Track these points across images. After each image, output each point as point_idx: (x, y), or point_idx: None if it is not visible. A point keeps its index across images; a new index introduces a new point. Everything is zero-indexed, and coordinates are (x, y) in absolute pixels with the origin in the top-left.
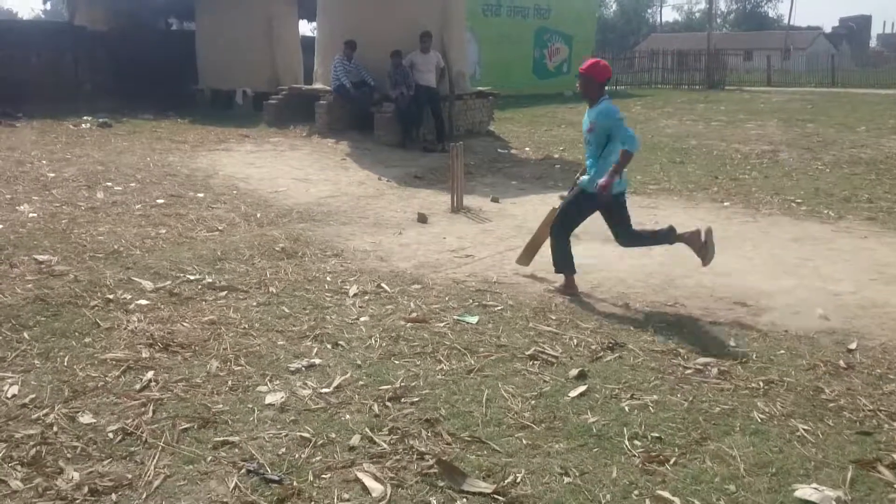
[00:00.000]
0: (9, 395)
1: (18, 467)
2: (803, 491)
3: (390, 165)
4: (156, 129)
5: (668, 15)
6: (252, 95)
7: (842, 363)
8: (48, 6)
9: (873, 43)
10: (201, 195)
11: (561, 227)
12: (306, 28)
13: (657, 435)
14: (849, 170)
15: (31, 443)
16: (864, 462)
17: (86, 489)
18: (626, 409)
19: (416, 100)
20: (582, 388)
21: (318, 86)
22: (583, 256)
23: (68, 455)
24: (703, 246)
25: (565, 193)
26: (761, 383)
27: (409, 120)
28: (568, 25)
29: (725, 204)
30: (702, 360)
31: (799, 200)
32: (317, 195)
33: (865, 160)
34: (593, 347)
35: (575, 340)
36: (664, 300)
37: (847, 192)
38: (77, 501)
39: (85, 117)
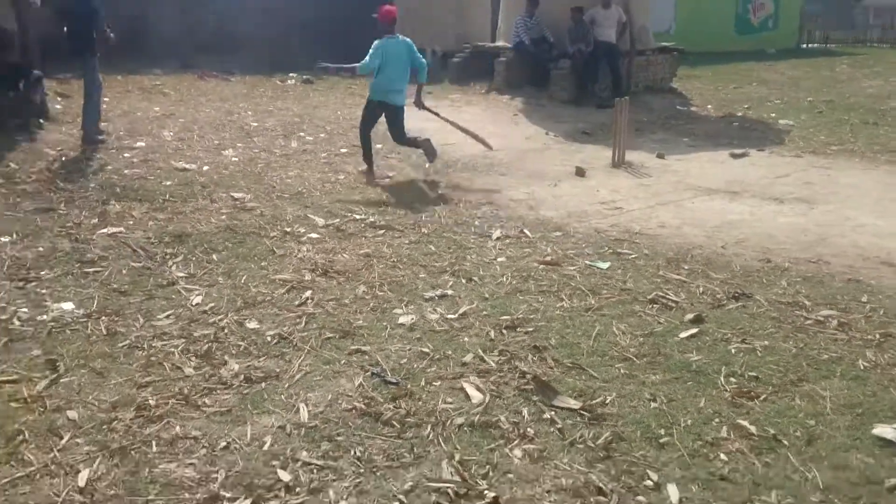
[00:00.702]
0: (193, 303)
1: (193, 359)
2: (882, 429)
3: (560, 121)
4: (350, 85)
5: None
6: (441, 54)
7: None
8: None
9: None
10: (379, 146)
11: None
12: None
13: (755, 374)
14: None
15: (205, 340)
16: None
17: (242, 377)
18: (733, 351)
19: (593, 56)
20: (693, 330)
21: (500, 43)
22: (736, 212)
23: (233, 351)
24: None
25: (737, 151)
26: (878, 335)
27: (585, 76)
28: None
29: None
30: (825, 312)
31: None
32: (484, 148)
33: None
34: (718, 296)
35: (701, 288)
36: (809, 256)
37: None
38: (234, 386)
39: (291, 74)
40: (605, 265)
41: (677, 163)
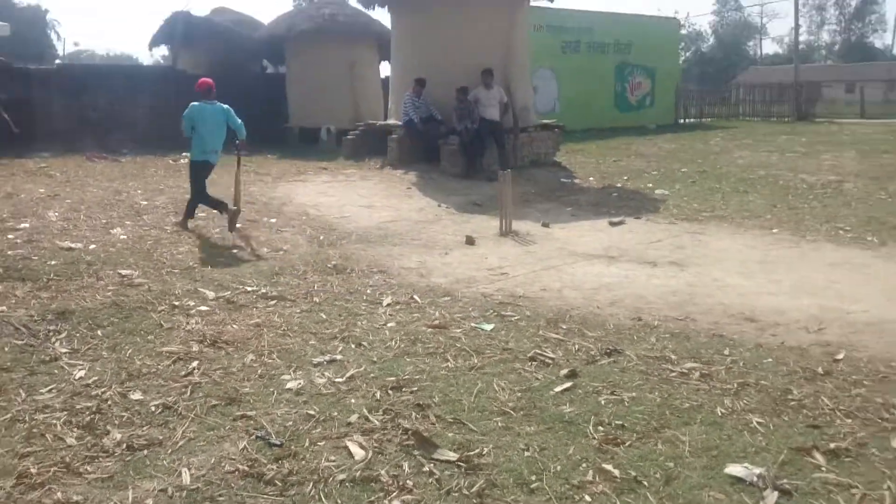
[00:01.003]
0: (76, 378)
1: (75, 429)
2: (733, 468)
3: (452, 193)
4: (244, 163)
5: (770, 47)
6: (335, 132)
7: (820, 370)
8: (165, 52)
9: None
10: (273, 220)
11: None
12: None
13: (621, 423)
14: None
15: (88, 412)
16: (802, 448)
17: (124, 445)
18: (602, 402)
19: (479, 132)
20: (568, 385)
21: (391, 121)
22: (613, 276)
23: (116, 422)
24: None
25: (615, 220)
26: (736, 385)
27: (473, 151)
28: (650, 59)
29: (774, 231)
30: (689, 364)
31: (848, 228)
32: (378, 220)
33: None
34: (592, 352)
35: (577, 346)
36: (677, 315)
37: None
38: (116, 454)
39: (184, 153)
40: (489, 327)
41: (560, 231)
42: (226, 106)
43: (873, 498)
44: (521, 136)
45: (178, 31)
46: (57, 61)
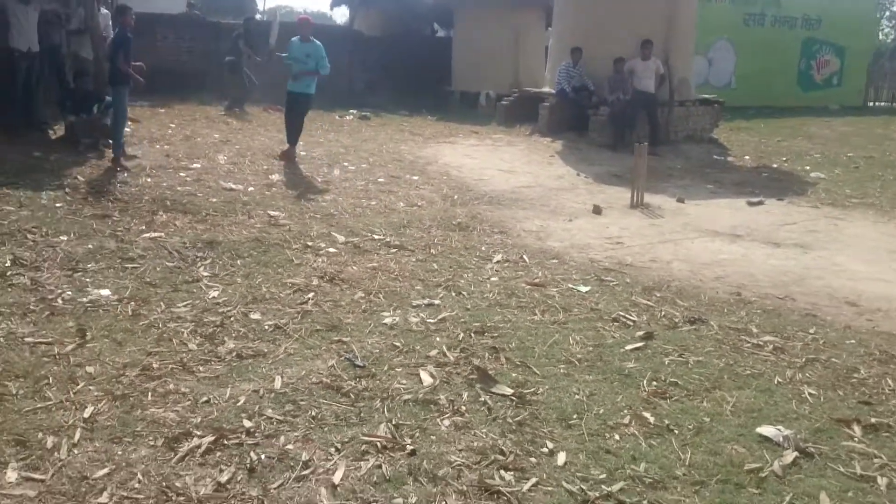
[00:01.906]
0: (210, 297)
1: (198, 338)
2: (765, 428)
3: (594, 164)
4: (402, 123)
5: None
6: (494, 97)
7: None
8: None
9: None
10: (416, 178)
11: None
12: None
13: (676, 381)
14: None
15: (212, 325)
16: (843, 420)
17: (235, 354)
18: (667, 362)
19: (631, 104)
20: (639, 345)
21: (545, 89)
22: (730, 253)
23: (233, 335)
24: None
25: (753, 200)
26: (805, 360)
27: (622, 123)
28: (840, 36)
29: None
30: (767, 338)
31: None
32: (514, 184)
33: None
34: (676, 319)
35: (664, 313)
36: (778, 294)
37: None
38: (226, 360)
39: (351, 110)
40: (585, 289)
41: (694, 207)
42: (318, 43)
43: (893, 468)
44: (677, 110)
45: None
46: (257, 16)
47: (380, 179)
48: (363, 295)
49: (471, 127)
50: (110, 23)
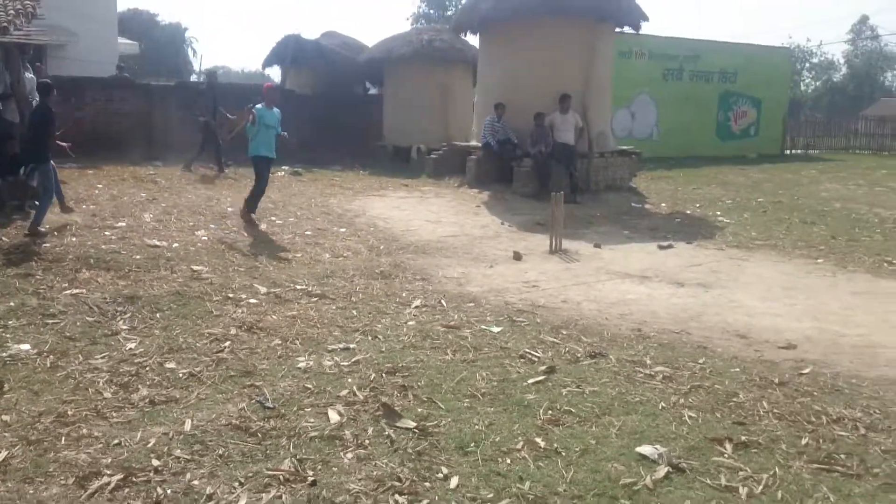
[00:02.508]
0: (127, 349)
1: (113, 387)
2: (644, 448)
3: (518, 213)
4: (333, 178)
5: None
6: (426, 151)
7: (777, 380)
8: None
9: None
10: (343, 230)
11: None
12: None
13: (570, 409)
14: None
15: (127, 375)
16: (716, 438)
17: (148, 400)
18: (564, 393)
19: (552, 156)
20: (541, 378)
21: (473, 143)
22: (637, 293)
23: (147, 383)
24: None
25: (664, 244)
26: (690, 387)
27: (545, 174)
28: (756, 89)
29: (819, 260)
30: (659, 368)
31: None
32: (440, 234)
33: None
34: (578, 354)
35: (568, 349)
36: (675, 329)
37: None
38: (139, 406)
39: (283, 167)
40: (497, 329)
41: (609, 252)
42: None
43: (755, 480)
44: (596, 161)
45: (288, 52)
46: (193, 76)
47: (307, 232)
48: (280, 342)
49: (401, 180)
50: (35, 86)
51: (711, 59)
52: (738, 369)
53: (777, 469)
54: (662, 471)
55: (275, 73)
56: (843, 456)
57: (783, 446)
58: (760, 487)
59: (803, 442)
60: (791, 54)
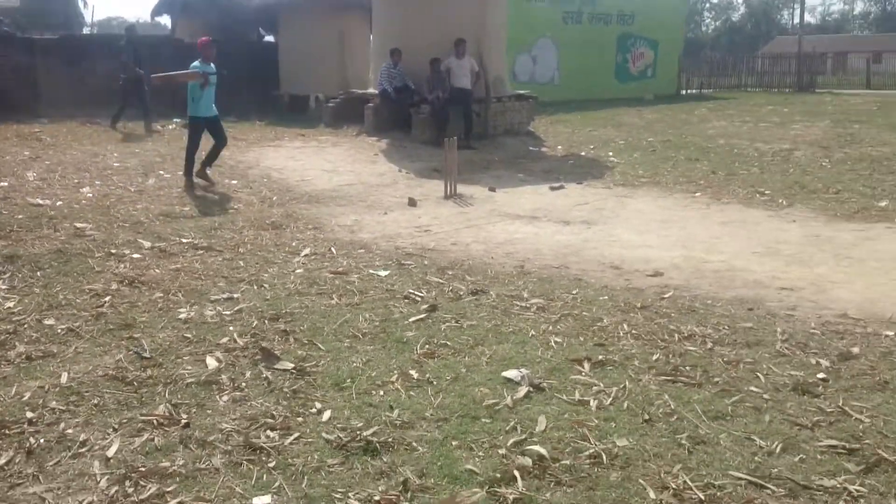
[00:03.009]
0: (5, 307)
1: None
2: (509, 372)
3: (417, 160)
4: (227, 128)
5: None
6: (324, 100)
7: (639, 305)
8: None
9: None
10: (234, 182)
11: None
12: None
13: (446, 342)
14: (850, 166)
15: (4, 333)
16: (576, 359)
17: (24, 356)
18: (443, 328)
19: (450, 101)
20: (422, 316)
21: (370, 90)
22: (524, 233)
23: (25, 340)
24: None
25: (555, 185)
26: (560, 315)
27: (443, 120)
28: (653, 31)
29: (696, 194)
30: (535, 300)
31: (768, 192)
32: (336, 183)
33: (873, 157)
34: (461, 292)
35: (451, 288)
36: (555, 264)
37: (822, 185)
38: (16, 362)
39: (175, 119)
40: (384, 273)
41: (503, 195)
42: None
43: (606, 393)
44: (494, 106)
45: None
46: (85, 29)
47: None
48: (161, 295)
49: (298, 130)
50: None
51: (609, 1)
52: (606, 297)
53: (627, 382)
54: (523, 391)
55: (165, 23)
56: (688, 368)
57: (636, 362)
58: (610, 399)
59: (654, 357)
60: None
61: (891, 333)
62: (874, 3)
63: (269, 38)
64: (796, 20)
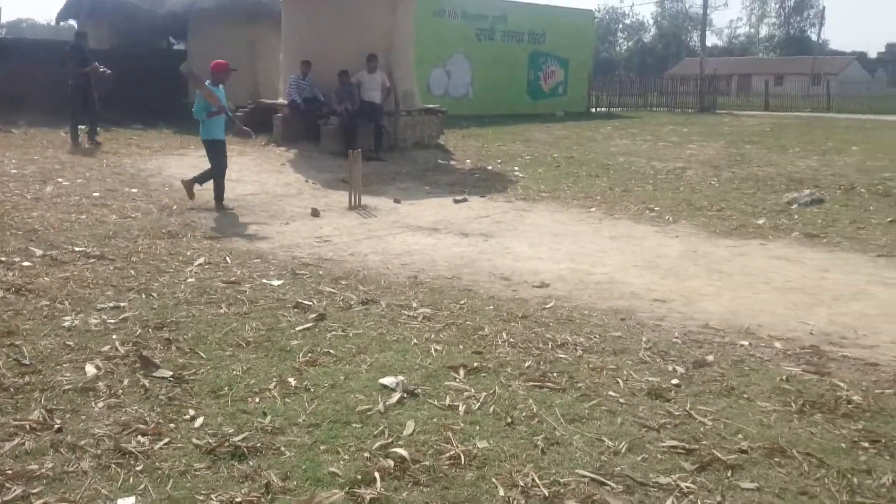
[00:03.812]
0: None
1: None
2: (386, 379)
3: (324, 171)
4: (132, 136)
5: (710, 39)
6: (233, 109)
7: (521, 314)
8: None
9: None
10: (135, 190)
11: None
12: None
13: (330, 350)
14: (736, 185)
15: None
16: (453, 366)
17: None
18: (329, 337)
19: (358, 114)
20: (309, 325)
21: (280, 100)
22: (423, 244)
23: None
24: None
25: (459, 198)
26: (444, 324)
27: (351, 132)
28: (563, 49)
29: (591, 209)
30: (423, 310)
31: (657, 209)
32: (240, 193)
33: (759, 176)
34: (352, 302)
35: (343, 297)
36: (448, 275)
37: (708, 203)
38: None
39: (80, 126)
40: (277, 282)
41: (408, 207)
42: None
43: (476, 398)
44: (403, 119)
45: (85, 4)
46: None
47: (94, 193)
48: (47, 303)
49: None
50: None
51: (520, 19)
52: (491, 307)
53: (497, 388)
54: (396, 397)
55: (72, 28)
56: (556, 374)
57: (509, 369)
58: (478, 404)
59: (526, 364)
60: (594, 16)
61: (746, 343)
62: (778, 26)
63: (180, 46)
64: (704, 42)
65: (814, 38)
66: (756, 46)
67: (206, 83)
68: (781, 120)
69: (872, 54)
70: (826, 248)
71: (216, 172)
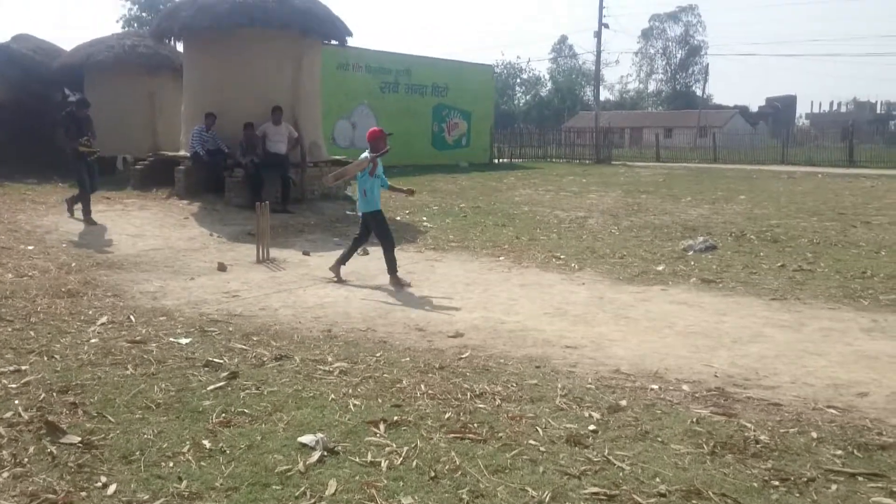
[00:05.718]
0: None
1: None
2: (305, 437)
3: (229, 224)
4: (26, 191)
5: (602, 94)
6: (132, 161)
7: (437, 365)
8: None
9: (802, 121)
10: (31, 248)
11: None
12: None
13: (245, 410)
14: (635, 233)
15: None
16: (373, 421)
17: None
18: (242, 396)
19: (264, 166)
20: (222, 384)
21: (182, 152)
22: (334, 297)
23: None
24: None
25: (368, 249)
26: (361, 378)
27: (257, 184)
28: (466, 103)
29: (500, 258)
30: (338, 364)
31: (563, 257)
32: (141, 248)
33: (655, 224)
34: (265, 358)
35: (255, 354)
36: (363, 327)
37: (610, 250)
38: None
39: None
40: (186, 341)
41: (317, 259)
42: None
43: (398, 453)
44: (310, 171)
45: None
46: None
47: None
48: None
49: (103, 193)
50: None
51: (424, 73)
52: (408, 359)
53: (419, 441)
54: (316, 455)
55: None
56: (476, 425)
57: (429, 421)
58: (400, 459)
59: (446, 416)
60: (493, 71)
61: (655, 387)
62: (665, 82)
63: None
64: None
65: (699, 93)
66: (646, 101)
67: (365, 154)
68: (672, 171)
69: (754, 108)
70: (722, 293)
71: (390, 244)
